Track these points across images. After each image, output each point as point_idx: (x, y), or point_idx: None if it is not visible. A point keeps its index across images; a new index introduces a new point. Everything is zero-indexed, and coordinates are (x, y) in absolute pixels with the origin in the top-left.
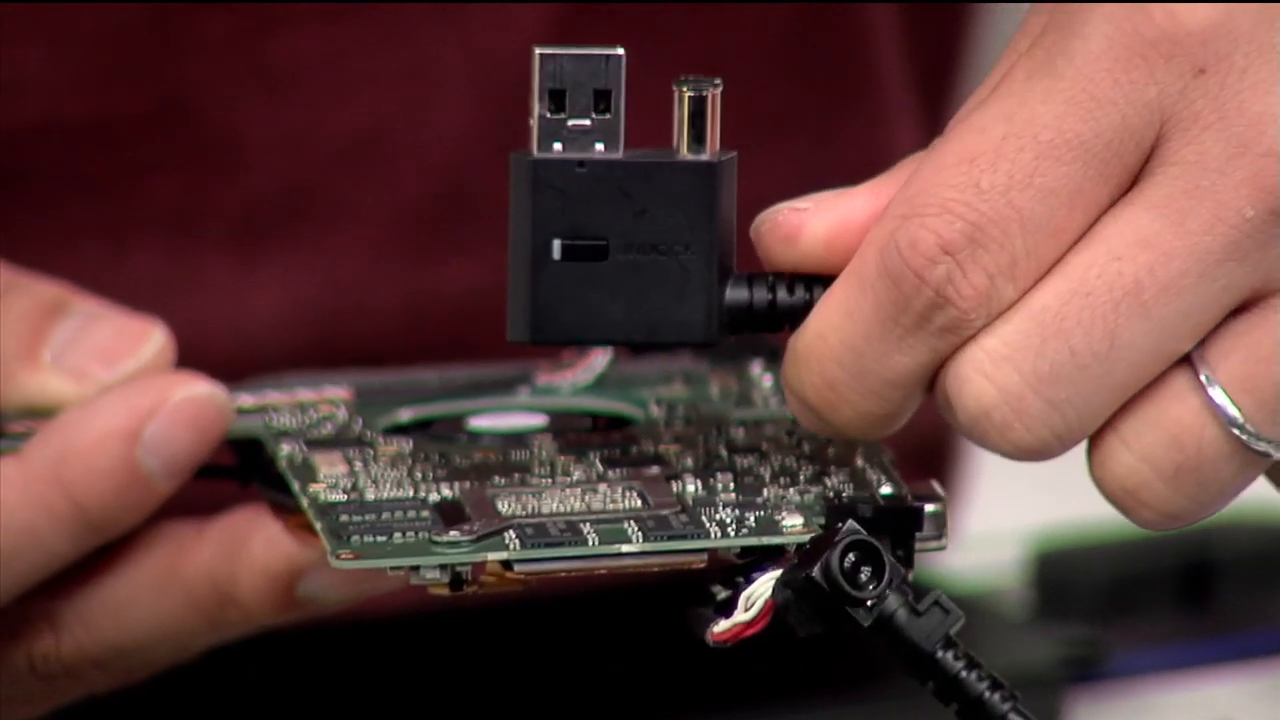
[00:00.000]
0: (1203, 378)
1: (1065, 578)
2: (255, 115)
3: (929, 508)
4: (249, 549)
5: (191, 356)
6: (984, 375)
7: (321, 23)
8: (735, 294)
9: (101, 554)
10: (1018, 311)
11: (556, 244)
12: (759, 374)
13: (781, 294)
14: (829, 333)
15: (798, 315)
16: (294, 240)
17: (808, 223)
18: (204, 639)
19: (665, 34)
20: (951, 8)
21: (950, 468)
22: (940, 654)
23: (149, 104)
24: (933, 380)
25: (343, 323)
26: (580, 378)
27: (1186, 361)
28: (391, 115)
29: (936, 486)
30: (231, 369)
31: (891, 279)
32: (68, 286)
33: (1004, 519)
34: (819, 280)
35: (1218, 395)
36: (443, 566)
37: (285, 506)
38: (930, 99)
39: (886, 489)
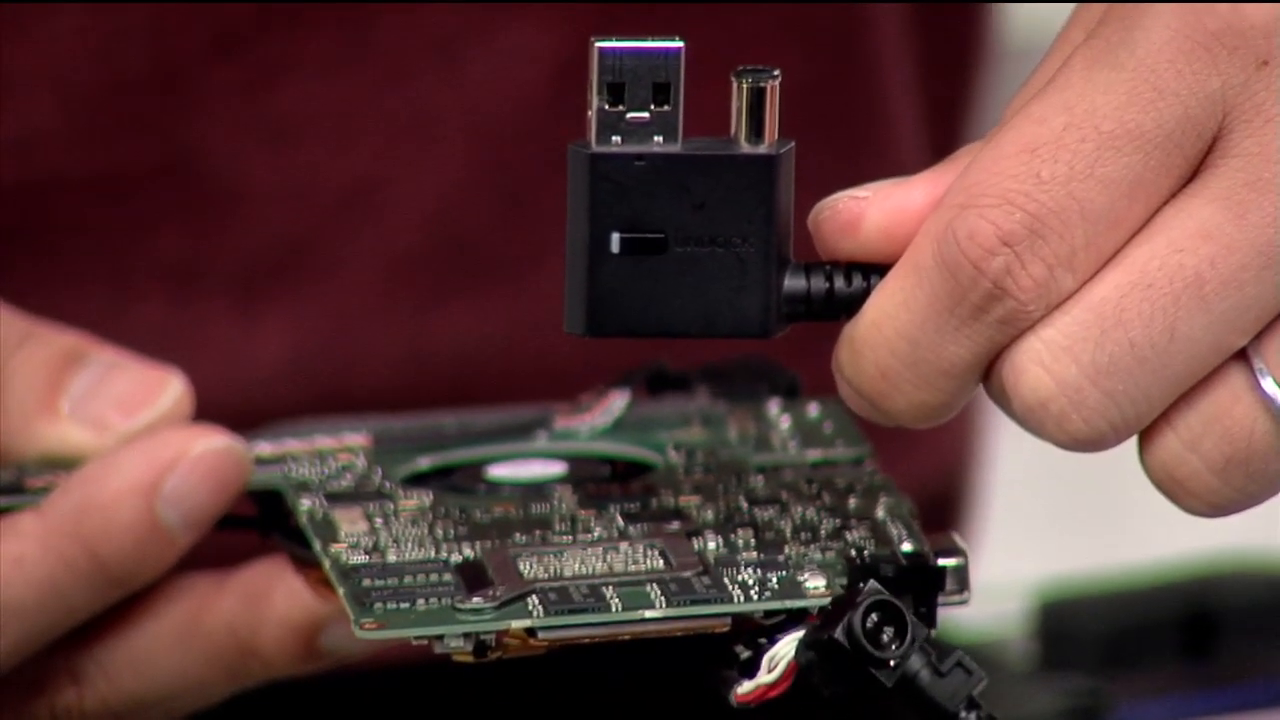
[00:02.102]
0: (1257, 371)
1: (1068, 628)
2: (258, 166)
3: (950, 563)
4: (270, 602)
5: (195, 407)
6: (1042, 366)
7: (322, 74)
8: (793, 283)
9: (123, 606)
10: (1077, 303)
11: (615, 237)
12: (776, 415)
13: (839, 283)
14: (884, 321)
15: (855, 303)
16: (296, 290)
17: (867, 212)
18: (225, 689)
19: None
20: (964, 60)
21: (954, 519)
22: (963, 715)
23: (153, 157)
24: (988, 370)
25: (345, 372)
26: (599, 421)
27: (1241, 355)
28: (392, 164)
29: (958, 539)
30: (234, 419)
31: (948, 269)
32: (85, 336)
33: (1007, 570)
34: (877, 269)
35: (1270, 388)
36: (466, 635)
37: (306, 560)
38: (941, 146)
39: (908, 546)
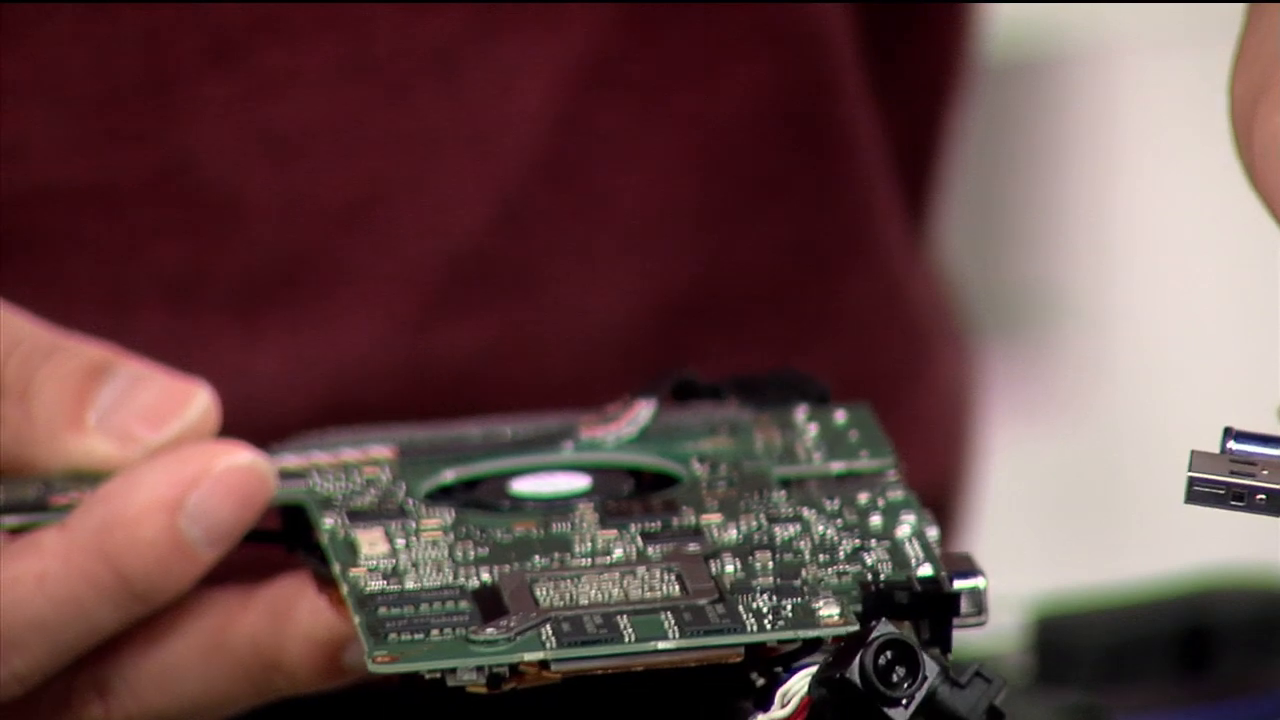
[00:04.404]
0: None
1: (1064, 643)
2: (257, 179)
3: (967, 585)
4: (294, 617)
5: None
6: None
7: (323, 87)
8: None
9: (148, 621)
10: None
11: None
12: (803, 422)
13: None
14: None
15: None
16: (297, 305)
17: None
18: (249, 704)
19: (664, 99)
20: (933, 78)
21: (948, 534)
22: None
23: (151, 168)
24: None
25: (346, 387)
26: (625, 430)
27: None
28: (393, 180)
29: (975, 560)
30: (233, 433)
31: None
32: (111, 347)
33: (1002, 585)
34: None
35: None
36: (479, 668)
37: (329, 578)
38: (908, 159)
39: (925, 569)
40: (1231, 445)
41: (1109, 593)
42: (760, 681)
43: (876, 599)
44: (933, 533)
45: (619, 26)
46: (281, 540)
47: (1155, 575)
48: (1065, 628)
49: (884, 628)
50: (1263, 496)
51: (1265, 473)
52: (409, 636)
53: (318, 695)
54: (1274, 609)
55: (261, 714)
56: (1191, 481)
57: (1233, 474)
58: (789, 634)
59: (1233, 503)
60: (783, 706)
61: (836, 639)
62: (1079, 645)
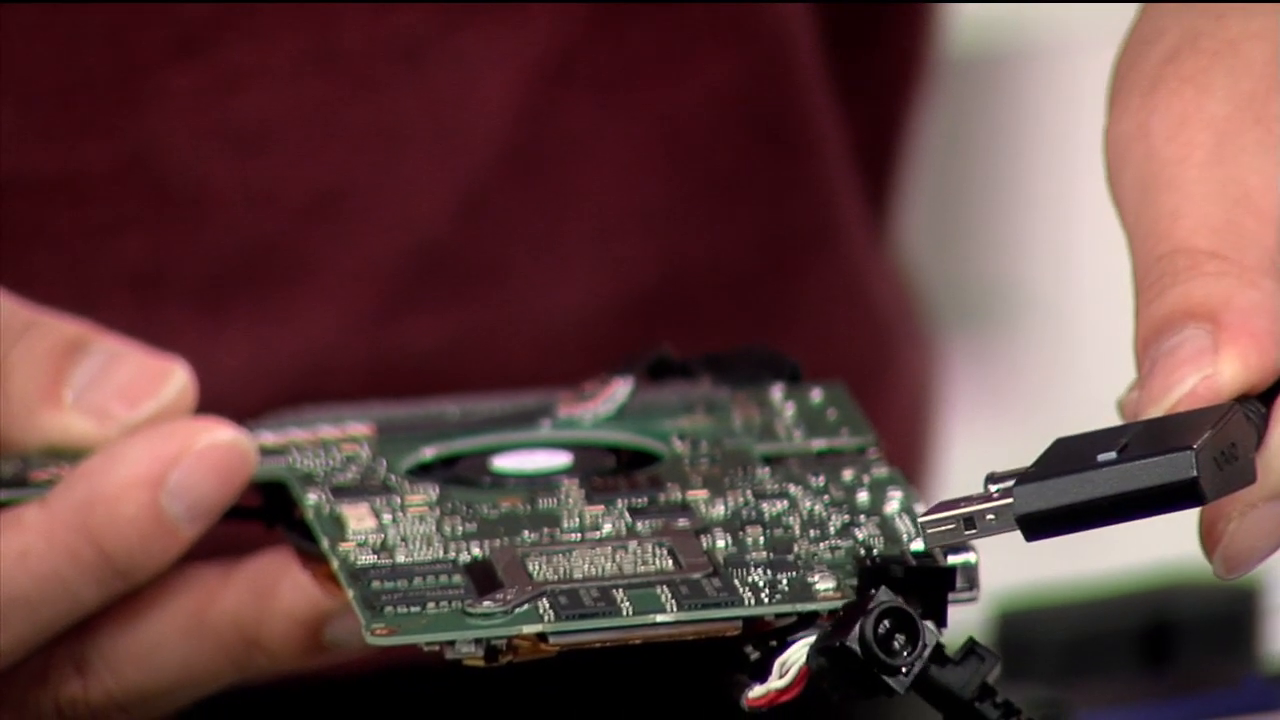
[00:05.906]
0: None
1: (1027, 639)
2: (222, 172)
3: (959, 561)
4: (276, 595)
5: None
6: None
7: (288, 80)
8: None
9: (128, 598)
10: None
11: None
12: (780, 401)
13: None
14: None
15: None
16: (261, 297)
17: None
18: (228, 681)
19: (628, 94)
20: (897, 76)
21: None
22: (979, 703)
23: (116, 160)
24: None
25: (309, 380)
26: (602, 409)
27: None
28: (358, 172)
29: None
30: None
31: None
32: (88, 324)
33: None
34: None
35: None
36: (477, 640)
37: (311, 554)
38: (871, 156)
39: (918, 544)
40: (990, 489)
41: (1071, 588)
42: (754, 655)
43: (871, 574)
44: (921, 509)
45: (583, 21)
46: (261, 517)
47: (1117, 570)
48: (1028, 623)
49: (884, 595)
50: (992, 516)
51: (995, 490)
52: (405, 609)
53: (295, 677)
54: (1235, 604)
55: (241, 696)
56: (923, 525)
57: (959, 506)
58: (787, 607)
59: (967, 532)
60: (781, 676)
61: (832, 614)
62: (1041, 640)
